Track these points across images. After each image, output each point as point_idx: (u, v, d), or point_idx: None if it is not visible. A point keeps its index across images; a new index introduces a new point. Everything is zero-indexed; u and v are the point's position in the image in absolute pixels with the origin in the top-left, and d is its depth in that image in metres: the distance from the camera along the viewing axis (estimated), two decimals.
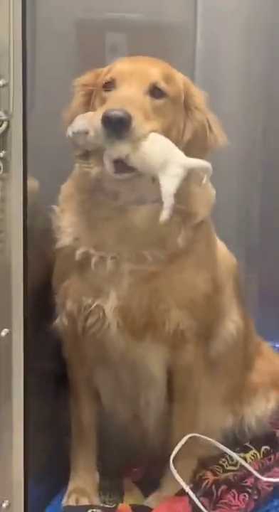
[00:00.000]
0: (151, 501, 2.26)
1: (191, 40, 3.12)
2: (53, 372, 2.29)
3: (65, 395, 2.31)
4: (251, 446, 2.44)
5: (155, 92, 2.04)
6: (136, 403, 2.26)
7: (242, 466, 2.34)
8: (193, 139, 2.10)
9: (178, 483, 2.19)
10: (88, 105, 2.11)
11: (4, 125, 1.82)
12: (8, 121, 1.82)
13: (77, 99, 2.13)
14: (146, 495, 2.30)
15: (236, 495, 2.26)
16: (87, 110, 2.09)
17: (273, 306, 3.17)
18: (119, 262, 2.09)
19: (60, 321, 2.18)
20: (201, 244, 2.18)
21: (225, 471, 2.34)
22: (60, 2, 2.38)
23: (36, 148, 1.88)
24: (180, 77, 2.14)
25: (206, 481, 2.28)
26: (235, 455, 2.35)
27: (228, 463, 2.36)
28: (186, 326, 2.14)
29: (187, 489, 2.20)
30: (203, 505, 2.18)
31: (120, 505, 2.23)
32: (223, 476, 2.32)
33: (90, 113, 2.03)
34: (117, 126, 1.91)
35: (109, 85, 2.06)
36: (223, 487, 2.27)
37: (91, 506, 2.20)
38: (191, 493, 2.19)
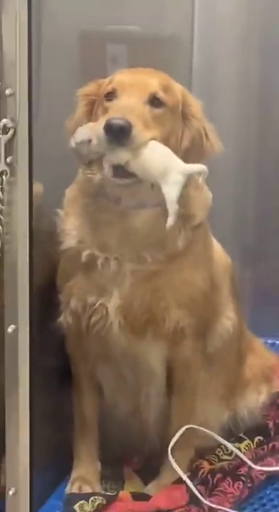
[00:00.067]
0: (150, 489, 2.26)
1: (188, 51, 3.12)
2: (56, 367, 2.28)
3: (68, 389, 2.31)
4: (245, 437, 2.43)
5: (154, 101, 2.04)
6: (136, 396, 2.26)
7: (236, 456, 2.34)
8: (190, 147, 2.10)
9: (176, 471, 2.20)
10: (91, 114, 2.11)
11: (11, 132, 1.82)
12: (15, 129, 1.82)
13: (81, 109, 2.13)
14: (145, 483, 2.30)
15: (231, 483, 2.26)
16: (89, 119, 2.09)
17: (266, 303, 3.17)
18: (121, 263, 2.09)
19: (65, 319, 2.18)
20: (199, 245, 2.18)
21: (220, 460, 2.34)
22: (63, 16, 2.38)
23: (41, 153, 1.87)
24: (178, 88, 2.14)
25: (203, 470, 2.28)
26: (230, 445, 2.35)
27: (224, 453, 2.36)
28: (185, 323, 2.14)
29: (184, 478, 2.20)
30: (200, 493, 2.18)
31: (121, 492, 2.23)
32: (218, 465, 2.32)
33: (91, 124, 2.03)
34: (119, 134, 1.91)
35: (110, 95, 2.06)
36: (219, 475, 2.27)
37: (93, 494, 2.20)
38: (188, 482, 2.20)
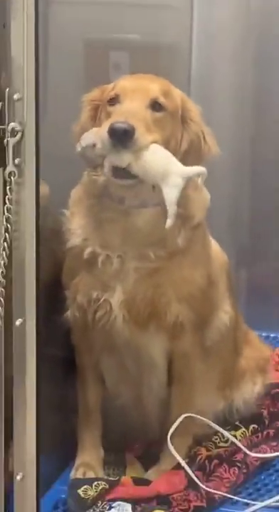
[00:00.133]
0: (151, 474, 2.26)
1: (187, 59, 3.12)
2: (62, 358, 2.28)
3: (73, 379, 2.31)
4: (241, 425, 2.43)
5: (155, 106, 2.04)
6: (138, 386, 2.26)
7: (232, 443, 2.34)
8: (189, 149, 2.10)
9: (175, 458, 2.20)
10: (95, 119, 2.11)
11: (19, 135, 1.81)
12: (23, 132, 1.81)
13: (85, 113, 2.13)
14: (146, 469, 2.30)
15: (227, 469, 2.26)
16: (94, 123, 2.09)
17: (261, 299, 3.17)
18: (124, 260, 2.09)
19: (71, 313, 2.18)
20: (198, 244, 2.18)
21: (217, 447, 2.34)
22: (68, 24, 2.38)
23: (48, 156, 1.87)
24: (177, 93, 2.14)
25: (200, 457, 2.28)
26: (226, 433, 2.35)
27: (220, 440, 2.36)
28: (184, 317, 2.14)
29: (183, 464, 2.20)
30: (198, 478, 2.18)
31: (123, 477, 2.22)
32: (215, 451, 2.31)
33: (95, 128, 2.03)
34: (122, 137, 1.91)
35: (113, 100, 2.06)
36: (216, 462, 2.27)
37: (96, 479, 2.20)
38: (186, 467, 2.19)
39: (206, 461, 2.26)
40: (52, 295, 2.14)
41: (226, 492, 2.19)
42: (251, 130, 3.20)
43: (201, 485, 2.16)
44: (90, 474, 2.24)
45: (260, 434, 2.44)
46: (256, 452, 2.35)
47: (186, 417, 2.23)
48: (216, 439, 2.36)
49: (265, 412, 2.50)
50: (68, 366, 2.29)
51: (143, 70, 2.17)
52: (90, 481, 2.17)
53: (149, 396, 2.28)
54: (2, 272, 1.84)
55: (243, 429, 2.42)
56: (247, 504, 2.17)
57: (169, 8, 2.99)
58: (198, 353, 2.26)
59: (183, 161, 2.00)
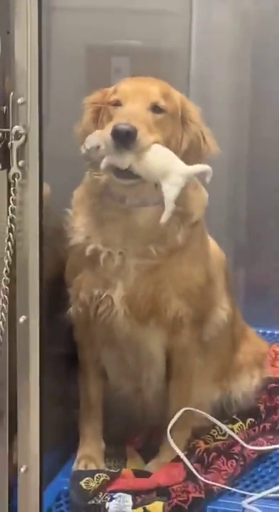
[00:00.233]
0: (150, 466, 2.26)
1: (186, 62, 3.13)
2: (64, 354, 2.29)
3: (74, 374, 2.31)
4: (238, 419, 2.44)
5: (156, 108, 2.05)
6: (138, 380, 2.26)
7: (230, 436, 2.35)
8: (189, 149, 2.10)
9: (174, 450, 2.20)
10: (97, 121, 2.11)
11: (23, 138, 1.82)
12: (26, 135, 1.82)
13: (87, 116, 2.13)
14: (146, 461, 2.30)
15: (225, 461, 2.26)
16: (96, 126, 2.09)
17: (257, 296, 3.17)
18: (125, 257, 2.09)
19: (74, 310, 2.18)
20: (197, 242, 2.19)
21: (215, 440, 2.34)
22: (71, 30, 2.38)
23: (51, 158, 1.87)
24: (177, 95, 2.14)
25: (199, 449, 2.28)
26: (224, 426, 2.36)
27: (218, 433, 2.36)
28: (183, 313, 2.15)
29: (182, 456, 2.20)
30: (196, 470, 2.18)
31: (124, 469, 2.22)
32: (213, 444, 2.32)
33: (98, 131, 2.03)
34: (125, 138, 1.92)
35: (115, 103, 2.06)
36: (214, 454, 2.27)
37: (98, 471, 2.20)
38: (185, 460, 2.20)
39: (205, 454, 2.26)
40: (54, 293, 2.14)
41: (224, 484, 2.19)
42: (249, 131, 3.21)
43: (199, 477, 2.16)
44: (92, 466, 2.24)
45: (256, 428, 2.44)
46: (253, 445, 2.36)
47: (185, 411, 2.24)
48: (214, 432, 2.36)
49: (261, 406, 2.51)
50: (70, 362, 2.29)
51: (143, 74, 2.17)
52: (91, 473, 2.17)
53: (148, 390, 2.28)
54: (6, 271, 1.85)
55: (240, 422, 2.43)
56: (244, 495, 2.18)
57: (169, 14, 3.00)
58: (196, 348, 2.26)
59: (183, 161, 2.00)
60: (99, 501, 2.08)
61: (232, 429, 2.37)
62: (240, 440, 2.33)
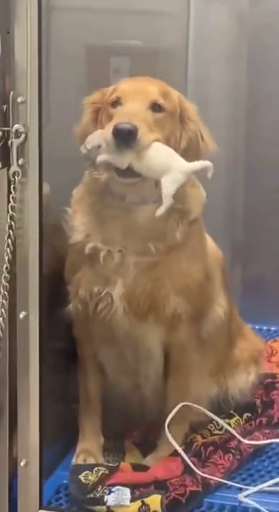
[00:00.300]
0: (149, 460, 2.27)
1: (184, 62, 3.12)
2: (63, 349, 2.29)
3: (74, 370, 2.31)
4: (235, 414, 2.44)
5: (155, 107, 2.05)
6: (136, 376, 2.27)
7: (227, 431, 2.35)
8: (188, 147, 2.11)
9: (172, 445, 2.20)
10: (96, 121, 2.11)
11: (23, 137, 1.83)
12: (26, 134, 1.83)
13: (87, 116, 2.13)
14: (144, 455, 2.30)
15: (222, 455, 2.27)
16: (95, 125, 2.10)
17: (254, 293, 3.18)
18: (124, 255, 2.09)
19: (73, 307, 2.18)
20: (195, 239, 2.19)
21: (212, 434, 2.35)
22: (70, 30, 2.38)
23: (50, 156, 1.88)
24: (175, 94, 2.15)
25: (196, 444, 2.29)
26: (221, 421, 2.36)
27: (215, 428, 2.36)
28: (182, 310, 2.15)
29: (180, 450, 2.21)
30: (194, 464, 2.19)
31: (122, 463, 2.23)
32: (210, 439, 2.32)
33: (99, 130, 2.03)
34: (126, 137, 1.92)
35: (115, 103, 2.06)
36: (211, 448, 2.28)
37: (97, 465, 2.20)
38: (183, 454, 2.20)
39: (202, 448, 2.27)
40: (54, 289, 2.14)
41: (221, 477, 2.20)
42: (246, 129, 3.21)
43: (196, 471, 2.16)
44: (91, 460, 2.25)
45: (253, 422, 2.45)
46: (249, 439, 2.36)
47: (182, 406, 2.24)
48: (211, 427, 2.36)
49: (258, 401, 2.51)
50: (70, 358, 2.30)
51: (141, 74, 2.17)
52: (90, 467, 2.18)
53: (146, 385, 2.28)
54: (7, 268, 1.86)
55: (237, 417, 2.43)
56: (240, 489, 2.18)
57: (167, 15, 3.00)
58: (194, 344, 2.26)
59: (183, 158, 2.01)
60: (98, 494, 2.09)
61: (229, 424, 2.37)
62: (236, 435, 2.34)
